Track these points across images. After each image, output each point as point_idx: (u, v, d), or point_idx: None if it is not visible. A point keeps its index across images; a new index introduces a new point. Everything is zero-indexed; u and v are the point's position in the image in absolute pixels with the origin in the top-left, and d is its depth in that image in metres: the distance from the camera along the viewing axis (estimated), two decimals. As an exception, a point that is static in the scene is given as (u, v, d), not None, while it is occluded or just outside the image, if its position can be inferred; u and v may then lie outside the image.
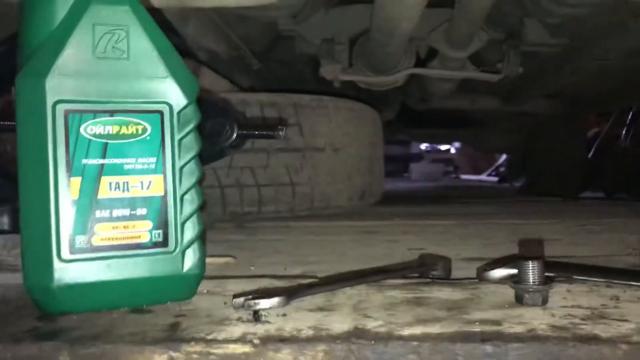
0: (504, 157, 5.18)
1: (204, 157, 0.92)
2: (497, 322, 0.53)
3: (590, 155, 3.12)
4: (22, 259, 0.59)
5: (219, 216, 1.52)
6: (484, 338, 0.49)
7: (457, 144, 6.92)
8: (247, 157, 1.53)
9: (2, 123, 0.90)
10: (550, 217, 1.49)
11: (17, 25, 0.61)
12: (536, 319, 0.54)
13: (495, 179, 5.28)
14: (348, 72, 1.76)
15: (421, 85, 2.04)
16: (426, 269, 0.74)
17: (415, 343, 0.48)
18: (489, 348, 0.48)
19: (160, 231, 0.61)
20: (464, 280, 0.72)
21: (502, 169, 5.34)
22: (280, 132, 0.96)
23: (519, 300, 0.59)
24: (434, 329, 0.52)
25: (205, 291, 0.68)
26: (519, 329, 0.51)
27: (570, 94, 2.48)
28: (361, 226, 1.40)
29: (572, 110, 2.74)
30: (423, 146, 7.19)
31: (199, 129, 0.67)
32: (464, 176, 6.51)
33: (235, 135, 0.94)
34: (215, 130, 0.93)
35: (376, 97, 2.27)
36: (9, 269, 0.87)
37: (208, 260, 0.90)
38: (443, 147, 7.27)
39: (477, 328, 0.52)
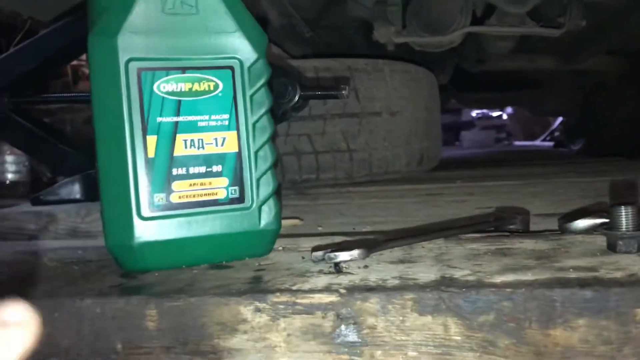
0: (558, 121, 5.02)
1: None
2: (593, 269, 0.51)
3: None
4: (102, 219, 0.60)
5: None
6: (582, 283, 0.47)
7: (509, 110, 6.75)
8: (303, 124, 1.52)
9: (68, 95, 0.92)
10: (621, 173, 1.42)
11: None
12: (635, 264, 0.51)
13: (550, 144, 5.12)
14: (402, 34, 1.72)
15: (478, 44, 1.97)
16: (503, 223, 0.72)
17: (508, 290, 0.47)
18: (588, 293, 0.45)
19: (236, 187, 0.61)
20: (545, 232, 0.69)
21: (557, 134, 5.17)
22: (343, 91, 0.94)
23: (612, 248, 0.56)
24: (526, 276, 0.50)
25: (281, 248, 0.68)
26: (617, 274, 0.49)
27: (635, 48, 2.36)
28: (424, 189, 1.37)
29: (635, 67, 2.60)
30: (474, 113, 7.02)
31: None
32: (516, 142, 6.35)
33: (298, 96, 0.92)
34: (278, 92, 0.91)
35: (430, 60, 2.21)
36: (85, 236, 0.89)
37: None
38: (494, 114, 7.09)
39: (572, 274, 0.49)
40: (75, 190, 0.96)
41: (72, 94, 1.61)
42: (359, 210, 1.10)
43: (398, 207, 1.10)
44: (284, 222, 0.92)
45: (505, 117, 7.04)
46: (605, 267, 0.51)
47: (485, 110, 6.91)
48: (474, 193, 1.23)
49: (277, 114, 0.95)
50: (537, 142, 5.79)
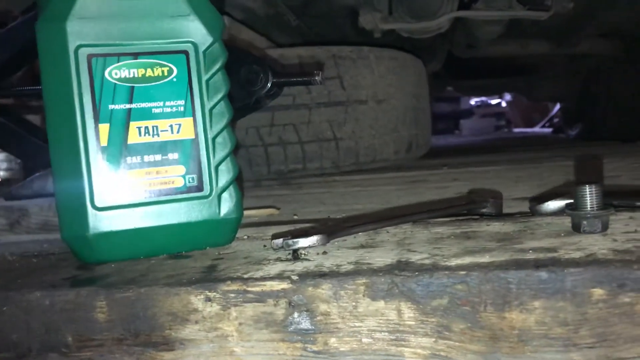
0: (557, 107, 4.98)
1: (239, 108, 0.90)
2: (553, 250, 0.49)
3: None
4: (57, 211, 0.58)
5: (264, 175, 1.50)
6: (539, 264, 0.45)
7: (508, 97, 6.71)
8: (288, 113, 1.50)
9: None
10: (610, 156, 1.40)
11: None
12: (595, 244, 0.50)
13: (549, 130, 5.09)
14: (389, 20, 1.70)
15: (467, 30, 1.95)
16: (475, 206, 0.70)
17: (462, 272, 0.45)
18: (543, 274, 0.44)
19: (194, 175, 0.59)
20: (516, 215, 0.67)
21: (556, 120, 5.14)
22: (316, 77, 0.92)
23: (576, 228, 0.54)
24: (484, 258, 0.48)
25: (245, 237, 0.66)
26: (576, 254, 0.47)
27: (627, 31, 2.33)
28: (409, 176, 1.36)
29: (630, 51, 2.58)
30: (473, 101, 6.99)
31: (234, 78, 0.65)
32: (516, 129, 6.32)
33: (270, 83, 0.91)
34: (250, 79, 0.90)
35: (421, 47, 2.19)
36: (55, 230, 0.87)
37: (251, 212, 0.89)
38: (493, 102, 7.06)
39: (530, 256, 0.48)
40: (48, 184, 0.95)
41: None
42: (341, 198, 1.08)
43: (380, 194, 1.08)
44: (260, 212, 0.92)
45: (504, 104, 7.00)
46: (566, 247, 0.50)
47: (484, 98, 6.88)
48: (459, 179, 1.22)
49: (249, 102, 0.93)
50: (536, 129, 5.76)
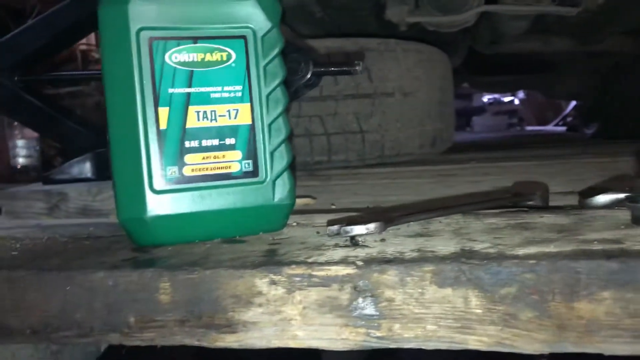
0: (571, 106, 4.96)
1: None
2: (618, 241, 0.49)
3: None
4: (114, 193, 0.59)
5: (290, 166, 1.50)
6: (608, 255, 0.45)
7: (521, 95, 6.68)
8: (315, 105, 1.50)
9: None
10: (634, 155, 1.40)
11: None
12: (662, 237, 0.50)
13: (562, 129, 5.07)
14: (415, 14, 1.69)
15: (492, 25, 1.93)
16: (522, 199, 0.70)
17: (531, 262, 0.45)
18: (614, 265, 0.44)
19: (249, 161, 0.60)
20: (566, 207, 0.67)
21: (569, 119, 5.11)
22: (357, 67, 0.92)
23: (637, 222, 0.54)
24: (549, 248, 0.48)
25: (295, 224, 0.67)
26: (644, 246, 0.47)
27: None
28: (437, 170, 1.35)
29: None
30: (485, 99, 6.96)
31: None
32: (528, 127, 6.29)
33: (310, 72, 0.91)
34: (291, 68, 0.90)
35: (443, 42, 2.18)
36: (96, 214, 0.88)
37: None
38: (506, 99, 7.02)
39: (597, 247, 0.48)
40: (86, 168, 0.96)
41: (83, 72, 1.60)
42: (372, 189, 1.08)
43: (412, 187, 1.08)
44: (297, 201, 0.92)
45: (517, 102, 6.97)
46: (631, 239, 0.50)
47: (497, 96, 6.85)
48: (490, 173, 1.21)
49: (289, 91, 0.93)
50: (550, 127, 5.73)
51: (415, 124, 1.62)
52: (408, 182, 1.16)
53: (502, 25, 1.90)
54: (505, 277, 0.45)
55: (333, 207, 0.86)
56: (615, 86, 2.95)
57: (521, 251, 0.48)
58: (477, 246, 0.50)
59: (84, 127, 1.00)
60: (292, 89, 0.93)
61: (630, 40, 2.44)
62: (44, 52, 0.98)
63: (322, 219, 0.69)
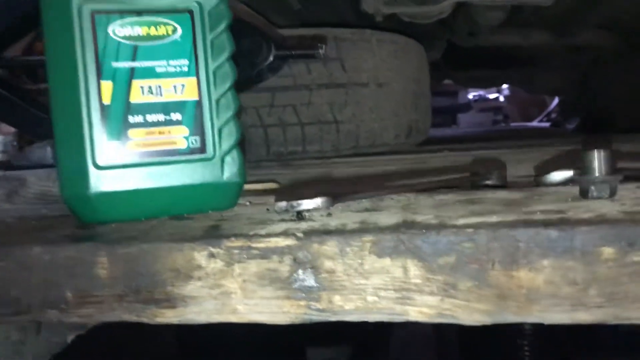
0: (555, 102, 4.99)
1: (241, 81, 0.88)
2: (561, 212, 0.49)
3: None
4: (57, 170, 0.58)
5: (263, 156, 1.49)
6: (548, 223, 0.44)
7: (506, 92, 6.71)
8: (288, 94, 1.49)
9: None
10: (610, 143, 1.40)
11: None
12: (604, 207, 0.49)
13: (546, 124, 5.10)
14: (391, 5, 1.69)
15: (468, 16, 1.94)
16: (479, 178, 0.69)
17: (470, 230, 0.45)
18: (553, 233, 0.43)
19: (197, 137, 0.59)
20: (521, 185, 0.67)
21: (553, 115, 5.15)
22: (320, 50, 0.91)
23: (584, 194, 0.54)
24: (491, 219, 0.48)
25: (248, 203, 0.66)
26: (586, 215, 0.47)
27: (627, 23, 2.32)
28: (410, 159, 1.35)
29: (629, 43, 2.57)
30: (471, 95, 6.98)
31: (236, 49, 0.64)
32: (513, 124, 6.32)
33: (272, 55, 0.90)
34: (252, 51, 0.89)
35: (421, 34, 2.18)
36: (53, 200, 0.87)
37: (249, 186, 0.88)
38: (491, 96, 7.05)
39: (539, 217, 0.47)
40: (47, 155, 0.94)
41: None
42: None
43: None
44: (259, 186, 0.91)
45: (502, 99, 7.00)
46: (574, 210, 0.49)
47: (481, 93, 6.88)
48: (459, 161, 1.21)
49: (251, 74, 0.92)
50: (534, 123, 5.76)
51: (390, 114, 1.61)
52: (378, 170, 1.16)
53: (478, 16, 1.90)
54: (443, 246, 0.44)
55: (297, 187, 0.85)
56: (595, 81, 2.97)
57: (462, 221, 0.47)
58: (420, 218, 0.50)
59: (47, 114, 0.98)
60: (255, 71, 0.92)
61: (607, 34, 2.45)
62: (4, 37, 0.96)
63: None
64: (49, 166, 0.94)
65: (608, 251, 0.43)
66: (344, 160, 1.42)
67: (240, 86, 0.79)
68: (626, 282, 0.43)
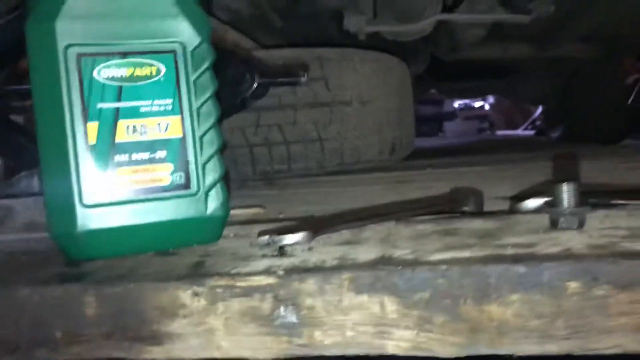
0: (539, 110, 5.05)
1: (225, 109, 0.91)
2: (531, 245, 0.51)
3: (630, 101, 3.00)
4: (46, 209, 0.59)
5: (249, 175, 1.51)
6: (517, 259, 0.47)
7: (491, 100, 6.77)
8: (274, 114, 1.51)
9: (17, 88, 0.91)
10: (588, 158, 1.43)
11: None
12: (572, 240, 0.52)
13: (531, 132, 5.15)
14: (373, 23, 1.72)
15: (450, 33, 1.97)
16: (457, 205, 0.72)
17: (443, 267, 0.47)
18: (521, 268, 0.46)
19: (181, 173, 0.60)
20: (497, 213, 0.69)
21: (538, 123, 5.21)
22: (302, 78, 0.93)
23: (554, 225, 0.56)
24: (464, 254, 0.50)
25: (232, 235, 0.67)
26: (553, 249, 0.49)
27: (606, 36, 2.37)
28: (393, 176, 1.37)
29: (609, 55, 2.62)
30: (456, 104, 7.04)
31: (220, 79, 0.66)
32: (499, 132, 6.38)
33: (256, 84, 0.92)
34: (236, 80, 0.91)
35: (405, 49, 2.21)
36: (41, 229, 0.88)
37: (236, 211, 0.90)
38: (477, 104, 7.12)
39: (509, 251, 0.50)
40: (34, 183, 0.95)
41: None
42: (326, 198, 1.10)
43: (364, 194, 1.10)
44: (245, 212, 0.93)
45: (487, 107, 7.06)
46: (544, 243, 0.51)
47: (467, 101, 6.94)
48: (442, 179, 1.24)
49: (236, 102, 0.94)
50: (519, 131, 5.83)
51: (374, 131, 1.64)
52: (361, 190, 1.18)
53: (459, 33, 1.94)
54: (418, 282, 0.46)
55: (281, 216, 0.87)
56: (577, 91, 3.02)
57: (436, 257, 0.49)
58: (397, 253, 0.52)
59: (33, 142, 0.99)
60: (239, 99, 0.94)
61: (586, 46, 2.50)
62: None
63: (263, 229, 0.70)
64: (36, 194, 0.95)
65: (573, 285, 0.45)
66: (328, 179, 1.44)
67: (225, 113, 0.81)
68: (591, 315, 0.45)
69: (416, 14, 1.68)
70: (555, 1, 1.64)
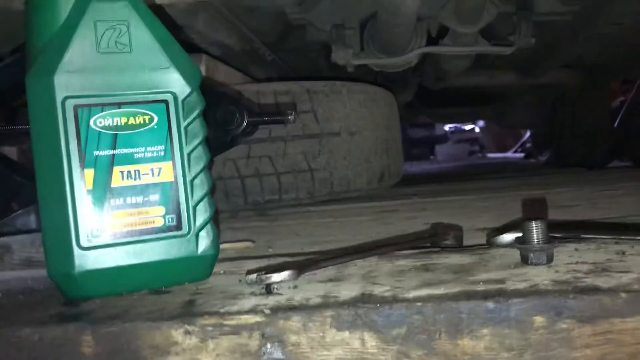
0: (528, 134, 5.12)
1: (216, 147, 0.94)
2: (501, 281, 0.54)
3: (616, 124, 3.07)
4: (44, 250, 0.62)
5: (241, 206, 1.55)
6: (486, 295, 0.50)
7: (481, 123, 6.85)
8: (264, 146, 1.55)
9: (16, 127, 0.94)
10: (571, 185, 1.48)
11: (22, 28, 0.64)
12: (540, 275, 0.55)
13: (521, 155, 5.22)
14: (360, 56, 1.77)
15: (436, 64, 2.03)
16: (437, 239, 0.75)
17: (419, 304, 0.50)
18: (490, 305, 0.49)
19: (173, 215, 0.64)
20: (475, 247, 0.73)
21: (528, 145, 5.28)
22: (290, 117, 0.97)
23: (525, 261, 0.60)
24: (439, 290, 0.53)
25: (222, 272, 0.70)
26: (521, 285, 0.52)
27: (589, 62, 2.44)
28: (380, 206, 1.41)
29: (593, 80, 2.70)
30: (447, 127, 7.13)
31: (211, 119, 0.70)
32: (490, 155, 6.45)
33: (245, 122, 0.96)
34: (226, 119, 0.95)
35: (393, 79, 2.27)
36: (40, 265, 0.90)
37: (227, 245, 0.93)
38: (467, 127, 7.20)
39: (480, 287, 0.53)
40: (30, 220, 0.98)
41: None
42: (315, 229, 1.13)
43: (352, 225, 1.13)
44: (235, 246, 0.96)
45: (477, 130, 7.15)
46: (513, 279, 0.55)
47: (458, 125, 7.02)
48: (427, 208, 1.27)
49: (226, 140, 0.98)
50: (509, 154, 5.90)
51: (362, 161, 1.68)
52: (349, 221, 1.21)
53: (445, 64, 1.99)
54: (395, 318, 0.50)
55: (270, 250, 0.90)
56: (563, 116, 3.09)
57: (413, 294, 0.53)
58: (377, 290, 0.55)
59: (29, 180, 1.02)
60: (229, 137, 0.98)
61: (571, 73, 2.57)
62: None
63: (253, 265, 0.73)
64: (32, 232, 0.98)
65: (539, 320, 0.48)
66: (318, 209, 1.47)
67: (215, 151, 0.85)
68: (557, 347, 0.48)
69: (401, 47, 1.73)
70: (536, 33, 1.69)
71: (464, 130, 7.33)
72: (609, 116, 3.04)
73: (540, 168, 3.14)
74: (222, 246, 0.70)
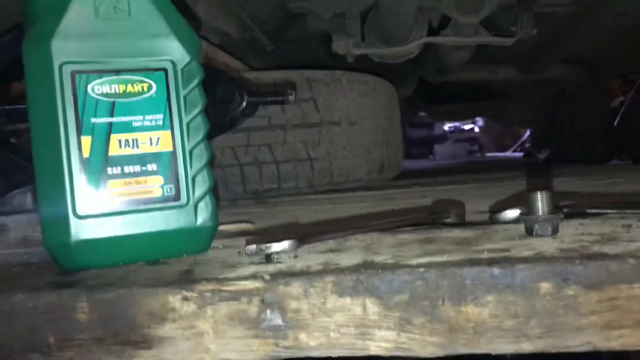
0: (528, 133, 5.12)
1: (215, 128, 0.93)
2: (506, 250, 0.53)
3: (615, 123, 3.06)
4: (40, 220, 0.61)
5: (240, 194, 1.53)
6: (491, 262, 0.49)
7: (480, 123, 6.85)
8: (264, 134, 1.54)
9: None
10: (571, 176, 1.47)
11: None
12: (545, 245, 0.54)
13: (520, 154, 5.22)
14: (361, 46, 1.76)
15: (436, 55, 2.02)
16: (439, 216, 0.74)
17: (422, 270, 0.49)
18: (495, 270, 0.48)
19: (171, 185, 0.63)
20: (477, 223, 0.72)
21: (527, 145, 5.28)
22: (290, 96, 0.96)
23: (530, 232, 0.59)
24: (442, 258, 0.52)
25: (220, 246, 0.69)
26: (526, 253, 0.51)
27: (590, 58, 2.43)
28: (380, 194, 1.40)
29: (593, 77, 2.69)
30: (447, 127, 7.12)
31: (210, 98, 0.68)
32: (489, 154, 6.45)
33: (245, 102, 0.95)
34: (225, 98, 0.94)
35: (393, 72, 2.26)
36: (36, 244, 0.89)
37: (226, 227, 0.92)
38: (467, 127, 7.20)
39: (485, 255, 0.52)
40: (27, 200, 0.97)
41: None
42: (314, 215, 1.11)
43: (350, 211, 1.12)
44: (235, 227, 0.95)
45: (477, 129, 7.14)
46: (518, 248, 0.54)
47: (457, 124, 7.02)
48: (427, 196, 1.26)
49: (225, 120, 0.97)
50: (508, 153, 5.89)
51: (362, 151, 1.67)
52: (349, 207, 1.20)
53: (445, 55, 1.98)
54: (397, 284, 0.49)
55: (270, 231, 0.89)
56: (563, 113, 3.08)
57: (415, 261, 0.51)
58: (378, 258, 0.54)
59: (26, 160, 1.01)
60: (228, 118, 0.97)
61: (571, 69, 2.56)
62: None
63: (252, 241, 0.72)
64: (29, 211, 0.97)
65: (545, 286, 0.47)
66: (318, 198, 1.46)
67: (214, 131, 0.83)
68: (563, 314, 0.47)
69: (402, 37, 1.73)
70: (537, 24, 1.68)
71: (463, 129, 7.33)
72: (608, 114, 3.03)
73: (539, 165, 3.13)
74: (220, 227, 0.68)
